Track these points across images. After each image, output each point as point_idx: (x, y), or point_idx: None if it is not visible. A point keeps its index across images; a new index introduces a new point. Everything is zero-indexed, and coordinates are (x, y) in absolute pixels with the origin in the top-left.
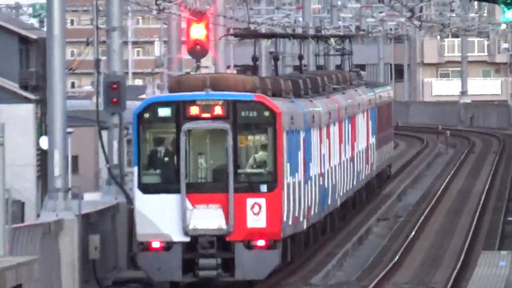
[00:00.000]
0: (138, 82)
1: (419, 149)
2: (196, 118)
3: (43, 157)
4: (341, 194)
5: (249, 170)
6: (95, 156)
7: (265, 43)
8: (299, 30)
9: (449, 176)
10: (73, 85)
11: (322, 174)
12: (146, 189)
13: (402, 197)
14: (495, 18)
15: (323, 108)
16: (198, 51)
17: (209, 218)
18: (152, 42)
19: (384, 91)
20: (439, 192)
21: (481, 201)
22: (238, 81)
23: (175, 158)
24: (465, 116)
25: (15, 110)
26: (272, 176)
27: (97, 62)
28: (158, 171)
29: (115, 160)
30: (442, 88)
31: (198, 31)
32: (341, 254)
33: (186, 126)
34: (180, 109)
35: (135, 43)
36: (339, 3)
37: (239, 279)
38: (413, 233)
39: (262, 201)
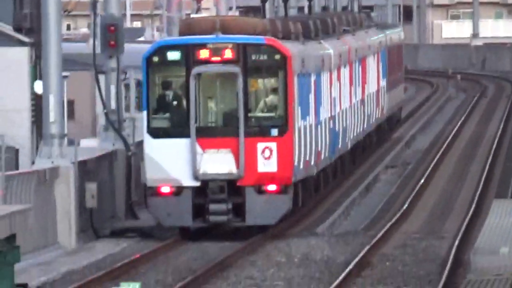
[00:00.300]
0: (137, 24)
1: (429, 94)
2: (206, 61)
3: (38, 102)
4: (352, 137)
5: (259, 114)
6: (91, 101)
7: None
8: None
9: (459, 122)
10: (68, 27)
11: (332, 117)
12: (156, 133)
13: (411, 143)
14: None
15: (333, 50)
16: None
17: (219, 162)
18: None
19: (394, 33)
20: (449, 138)
21: (493, 148)
22: (248, 24)
23: (184, 102)
24: (476, 59)
25: (8, 53)
26: (283, 120)
27: (94, 3)
28: (167, 115)
29: (113, 105)
30: (453, 30)
31: None
32: (347, 202)
33: (196, 69)
34: (189, 53)
35: None
36: None
37: (250, 224)
38: (422, 180)
39: (273, 145)
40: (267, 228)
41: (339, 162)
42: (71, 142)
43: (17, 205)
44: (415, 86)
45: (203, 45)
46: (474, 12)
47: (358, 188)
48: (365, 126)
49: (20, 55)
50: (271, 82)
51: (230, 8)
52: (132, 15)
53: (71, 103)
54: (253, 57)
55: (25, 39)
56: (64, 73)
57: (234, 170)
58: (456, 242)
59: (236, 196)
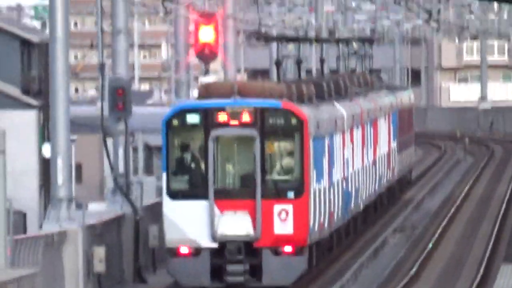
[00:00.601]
0: (145, 86)
1: (437, 157)
2: (224, 125)
3: (46, 165)
4: (364, 198)
5: (276, 177)
6: (99, 164)
7: (275, 47)
8: (311, 33)
9: (468, 185)
10: (76, 90)
11: (345, 178)
12: (175, 195)
13: (420, 206)
14: None
15: (346, 112)
16: (206, 54)
17: (237, 224)
18: (159, 45)
19: (404, 95)
20: (458, 201)
21: (502, 210)
22: (265, 88)
23: (203, 164)
24: (484, 122)
25: (16, 116)
26: (299, 183)
27: (102, 66)
28: (186, 177)
29: (121, 169)
30: (461, 93)
31: (206, 34)
32: (356, 265)
33: (215, 132)
34: (208, 116)
35: (141, 46)
36: (354, 4)
37: (267, 284)
38: (431, 244)
39: (289, 207)
40: None
41: (352, 222)
42: (79, 206)
43: (25, 269)
44: (424, 149)
45: (221, 109)
46: (482, 75)
47: (366, 251)
48: (376, 187)
49: (28, 118)
50: (287, 145)
51: (238, 71)
52: (140, 78)
53: (79, 166)
54: (270, 121)
55: (33, 102)
56: (72, 136)
57: (251, 231)
58: None
59: (253, 257)
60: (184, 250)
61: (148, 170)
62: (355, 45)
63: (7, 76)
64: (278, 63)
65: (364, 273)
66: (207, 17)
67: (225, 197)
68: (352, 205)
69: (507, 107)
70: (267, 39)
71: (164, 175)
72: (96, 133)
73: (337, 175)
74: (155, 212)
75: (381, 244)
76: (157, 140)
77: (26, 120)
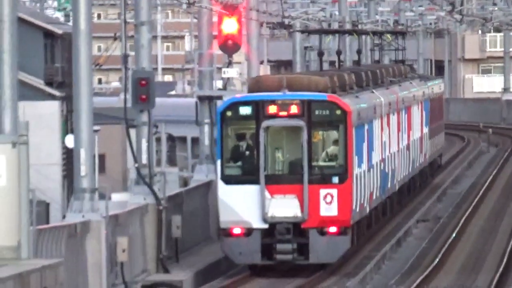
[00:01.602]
0: (168, 78)
1: (460, 148)
2: (274, 116)
3: (69, 156)
4: (399, 179)
5: (322, 163)
6: (122, 155)
7: (299, 38)
8: (335, 25)
9: (491, 176)
10: (100, 81)
11: (383, 161)
12: (228, 180)
13: (442, 197)
14: None
15: (384, 99)
16: (230, 46)
17: (285, 207)
18: (182, 37)
19: (436, 84)
20: (481, 192)
21: None
22: (311, 81)
23: (254, 152)
24: (507, 113)
25: (40, 107)
26: (343, 169)
27: (125, 57)
28: (239, 164)
29: (144, 160)
30: (484, 84)
31: (230, 26)
32: (379, 256)
33: (265, 123)
34: (259, 108)
35: (164, 38)
36: None
37: (313, 262)
38: (454, 234)
39: (334, 191)
40: (327, 265)
41: (388, 201)
42: (102, 196)
43: (48, 259)
44: (447, 140)
45: (271, 101)
46: (505, 66)
47: (389, 242)
48: (410, 169)
49: (52, 109)
50: (332, 134)
51: (261, 62)
52: (163, 69)
53: (102, 157)
54: (317, 112)
55: (57, 93)
56: (95, 127)
57: (299, 213)
58: None
59: (300, 237)
60: (237, 230)
61: (171, 161)
62: (389, 37)
63: (31, 68)
64: (320, 54)
65: (387, 264)
66: (230, 9)
67: (275, 182)
68: (389, 185)
69: None
70: (309, 32)
71: (218, 162)
72: (120, 124)
73: (375, 158)
74: (178, 202)
75: (403, 236)
76: (180, 131)
77: (49, 111)
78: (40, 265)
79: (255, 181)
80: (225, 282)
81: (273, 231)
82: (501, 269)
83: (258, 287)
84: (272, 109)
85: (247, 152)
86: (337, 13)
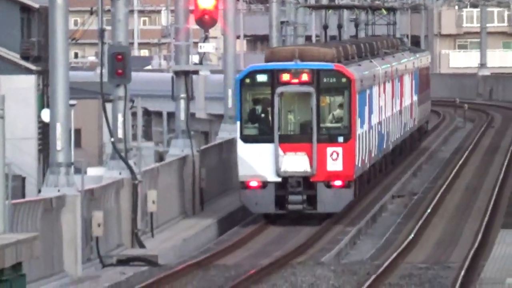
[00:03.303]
0: (144, 52)
1: (436, 123)
2: (287, 83)
3: (45, 130)
4: (393, 140)
5: (329, 125)
6: (98, 129)
7: (275, 13)
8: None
9: (466, 152)
10: (76, 56)
11: (380, 123)
12: (246, 139)
13: (418, 172)
14: None
15: (381, 68)
16: (206, 21)
17: (296, 163)
18: (158, 11)
19: (424, 57)
20: (456, 168)
21: (500, 178)
22: (320, 52)
23: (269, 114)
24: (483, 89)
25: (16, 81)
26: (347, 130)
27: (102, 32)
28: (256, 125)
29: (120, 134)
30: (460, 60)
31: (206, 0)
32: (354, 232)
33: (279, 89)
34: (274, 76)
35: (141, 12)
36: None
37: (321, 211)
38: (429, 210)
39: (339, 149)
40: (333, 214)
41: (384, 160)
42: (77, 171)
43: (23, 233)
44: None
45: (285, 70)
46: (482, 42)
47: (364, 218)
48: (402, 132)
49: (28, 83)
50: (338, 99)
51: (238, 37)
52: (139, 44)
53: (78, 132)
54: (325, 80)
55: (33, 67)
56: (71, 102)
57: (308, 169)
58: (462, 272)
59: (309, 190)
60: (253, 183)
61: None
62: (384, 12)
63: (7, 41)
64: (325, 27)
65: (362, 239)
66: None
67: (287, 141)
68: (384, 145)
69: (506, 74)
70: (317, 8)
71: (238, 124)
72: (96, 99)
73: (374, 121)
74: (154, 177)
75: (378, 211)
76: (156, 105)
77: (25, 85)
78: (15, 239)
79: (270, 140)
80: (244, 231)
81: (285, 184)
82: (476, 244)
83: (273, 235)
84: (285, 77)
85: (263, 115)
86: None
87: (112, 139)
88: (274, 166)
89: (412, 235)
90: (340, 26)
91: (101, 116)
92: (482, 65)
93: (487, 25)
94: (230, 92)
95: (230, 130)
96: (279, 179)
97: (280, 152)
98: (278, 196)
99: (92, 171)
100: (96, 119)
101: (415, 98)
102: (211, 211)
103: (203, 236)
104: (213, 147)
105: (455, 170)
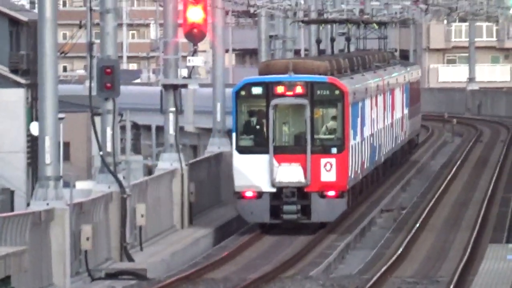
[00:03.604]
0: (133, 66)
1: (425, 138)
2: (282, 95)
3: (34, 143)
4: (384, 152)
5: (322, 136)
6: (87, 143)
7: (264, 27)
8: (300, 14)
9: (455, 167)
10: (65, 69)
11: (372, 135)
12: (242, 150)
13: (406, 187)
14: (505, 2)
15: (372, 81)
16: (195, 34)
17: (291, 173)
18: (147, 25)
19: (414, 70)
20: (445, 183)
21: (489, 192)
22: (314, 65)
23: (264, 126)
24: (472, 103)
25: (4, 94)
26: (340, 141)
27: (90, 45)
28: (251, 136)
29: (109, 148)
30: (449, 74)
31: (195, 14)
32: (343, 246)
33: (274, 101)
34: (269, 88)
35: (130, 26)
36: None
37: (314, 221)
38: (417, 224)
39: (332, 160)
40: (327, 224)
41: (375, 171)
42: (66, 184)
43: (12, 247)
44: None
45: (279, 83)
46: (470, 56)
47: (353, 232)
48: (393, 145)
49: (17, 97)
50: (331, 111)
51: (227, 51)
52: (128, 57)
53: (66, 145)
54: (318, 92)
55: (22, 80)
56: (60, 115)
57: (302, 179)
58: (451, 287)
59: (303, 199)
60: (249, 193)
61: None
62: (376, 26)
63: None
64: (318, 41)
65: (351, 254)
66: None
67: (282, 152)
68: (376, 157)
69: (495, 88)
70: (310, 22)
71: (233, 135)
72: (84, 112)
73: (366, 133)
74: (143, 190)
75: (367, 225)
76: (145, 119)
77: (14, 99)
78: (4, 253)
79: (265, 151)
80: (239, 240)
81: (280, 194)
82: (464, 259)
83: (268, 244)
84: (280, 89)
85: (258, 126)
86: (302, 1)
87: (101, 153)
88: (269, 177)
89: (401, 249)
90: (332, 40)
91: (90, 130)
92: (471, 79)
93: (476, 39)
94: (219, 106)
95: (219, 144)
96: (274, 190)
97: (275, 163)
98: (273, 206)
99: (81, 185)
100: (85, 132)
101: (406, 111)
102: (200, 225)
103: (192, 249)
104: (202, 161)
105: (443, 185)
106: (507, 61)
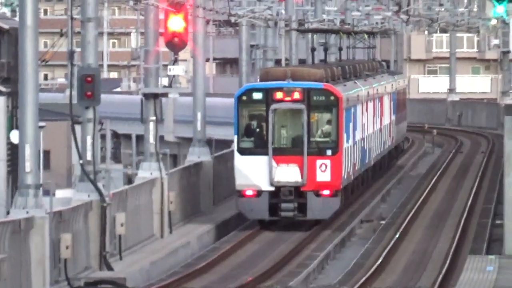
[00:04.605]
0: (114, 75)
1: (405, 148)
2: (280, 100)
3: (14, 151)
4: (374, 156)
5: (318, 139)
6: (67, 151)
7: (245, 36)
8: (281, 23)
9: (435, 177)
10: (46, 77)
11: (363, 139)
12: (243, 151)
13: (386, 198)
14: (485, 13)
15: (364, 88)
16: (176, 43)
17: (289, 173)
18: (128, 34)
19: (401, 79)
20: (425, 193)
21: (469, 203)
22: (310, 72)
23: (264, 129)
24: (453, 114)
25: None
26: (335, 144)
27: (71, 53)
28: (252, 138)
29: (89, 156)
30: (430, 85)
31: (176, 23)
32: (322, 256)
33: (273, 106)
34: (269, 94)
35: (110, 35)
36: None
37: (310, 218)
38: (397, 235)
39: (327, 162)
40: (321, 221)
41: (366, 173)
42: (46, 192)
43: None
44: None
45: (278, 89)
46: (451, 67)
47: (333, 241)
48: (381, 149)
49: None
50: (327, 116)
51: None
52: (109, 66)
53: (47, 153)
54: (315, 98)
55: (2, 88)
56: (41, 123)
57: (299, 179)
58: None
59: (300, 198)
60: (249, 192)
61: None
62: (366, 36)
63: None
64: (313, 50)
65: (330, 264)
66: (177, 6)
67: (280, 153)
68: (367, 160)
69: (475, 99)
70: (301, 31)
71: (235, 137)
72: (65, 120)
73: (358, 136)
74: (123, 199)
75: (347, 236)
76: (125, 128)
77: None
78: None
79: (265, 153)
80: (240, 235)
81: (278, 193)
82: (444, 270)
83: (249, 253)
84: (279, 95)
85: (258, 129)
86: (283, 11)
87: (81, 161)
88: (268, 177)
89: (380, 259)
90: (326, 49)
91: (70, 138)
92: (451, 90)
93: (457, 50)
94: (199, 115)
95: (198, 153)
96: (273, 188)
97: (274, 163)
98: (271, 204)
99: (60, 193)
100: (65, 141)
101: (393, 117)
102: (179, 234)
103: (171, 258)
104: (182, 170)
105: (423, 196)
106: (488, 72)
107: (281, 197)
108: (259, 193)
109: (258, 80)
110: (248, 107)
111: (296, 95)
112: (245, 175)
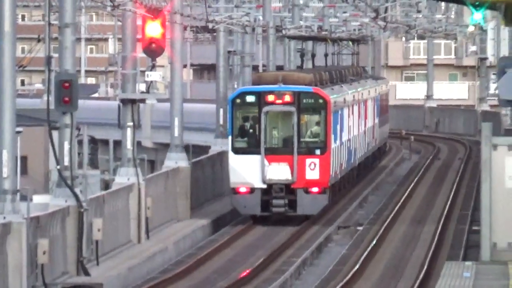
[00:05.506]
0: (91, 80)
1: (387, 150)
2: (272, 103)
3: None
4: (358, 157)
5: (307, 139)
6: (45, 157)
7: (222, 42)
8: (259, 30)
9: (412, 184)
10: (23, 83)
11: (349, 140)
12: (237, 151)
13: (363, 204)
14: (463, 20)
15: (350, 92)
16: (153, 49)
17: (280, 172)
18: (106, 39)
19: (384, 83)
20: (402, 199)
21: (446, 210)
22: (300, 77)
23: (257, 130)
24: (430, 120)
25: None
26: (323, 144)
27: (49, 59)
28: (245, 139)
29: (66, 162)
30: (407, 91)
31: (153, 29)
32: (299, 262)
33: (265, 108)
34: (261, 97)
35: (88, 40)
36: (301, 2)
37: (300, 214)
38: (374, 241)
39: (316, 160)
40: (310, 216)
41: (351, 173)
42: (23, 198)
43: None
44: None
45: (270, 92)
46: (429, 73)
47: (309, 248)
48: (366, 150)
49: None
50: (316, 117)
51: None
52: (86, 71)
53: (24, 159)
54: (304, 101)
55: None
56: (18, 129)
57: (289, 177)
58: None
59: (290, 195)
60: (243, 189)
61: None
62: (350, 44)
63: None
64: (302, 55)
65: (307, 270)
66: (154, 12)
67: (272, 153)
68: (352, 160)
69: (453, 106)
70: (293, 38)
71: (229, 138)
72: (42, 126)
73: (344, 137)
74: (100, 205)
75: (324, 242)
76: (102, 134)
77: None
78: None
79: (257, 152)
80: (233, 230)
81: (270, 190)
82: (421, 276)
83: (226, 259)
84: (271, 98)
85: (251, 130)
86: (261, 18)
87: (58, 167)
88: (261, 175)
89: (358, 266)
90: (313, 55)
91: (48, 144)
92: (429, 96)
93: (434, 57)
94: (176, 120)
95: (176, 159)
96: (265, 186)
97: (266, 162)
98: (263, 200)
99: (38, 199)
100: (42, 146)
101: (376, 120)
102: (156, 240)
103: (148, 264)
104: (159, 176)
105: (401, 202)
106: (465, 79)
107: (272, 194)
108: (252, 190)
109: (251, 84)
110: (242, 109)
111: (287, 98)
112: (238, 173)
